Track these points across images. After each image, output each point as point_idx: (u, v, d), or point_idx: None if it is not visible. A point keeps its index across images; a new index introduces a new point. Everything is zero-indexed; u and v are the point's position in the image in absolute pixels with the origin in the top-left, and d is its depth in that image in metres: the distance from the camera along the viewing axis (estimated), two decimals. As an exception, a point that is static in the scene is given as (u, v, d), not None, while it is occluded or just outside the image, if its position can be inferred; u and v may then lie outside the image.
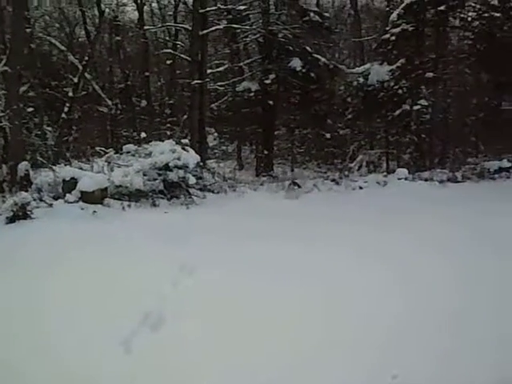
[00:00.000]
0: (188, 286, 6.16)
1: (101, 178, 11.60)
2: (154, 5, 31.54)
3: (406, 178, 16.53)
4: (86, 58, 21.86)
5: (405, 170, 17.25)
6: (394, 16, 21.25)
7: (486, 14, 20.87)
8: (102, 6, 23.71)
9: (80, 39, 30.83)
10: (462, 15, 21.72)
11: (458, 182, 16.63)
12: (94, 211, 10.48)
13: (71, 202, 10.90)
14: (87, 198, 10.98)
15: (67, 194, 11.11)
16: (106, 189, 11.51)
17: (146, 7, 29.89)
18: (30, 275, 6.38)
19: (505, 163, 18.19)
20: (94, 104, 27.26)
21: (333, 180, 16.67)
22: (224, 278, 6.28)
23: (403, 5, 21.14)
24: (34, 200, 10.69)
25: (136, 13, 29.31)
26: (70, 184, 11.27)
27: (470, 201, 12.33)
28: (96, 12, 24.76)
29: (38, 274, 6.43)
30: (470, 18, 21.67)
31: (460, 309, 5.47)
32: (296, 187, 15.23)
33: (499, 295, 5.80)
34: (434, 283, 6.23)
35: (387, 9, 26.32)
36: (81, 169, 12.32)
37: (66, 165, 13.20)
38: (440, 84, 22.30)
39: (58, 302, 5.63)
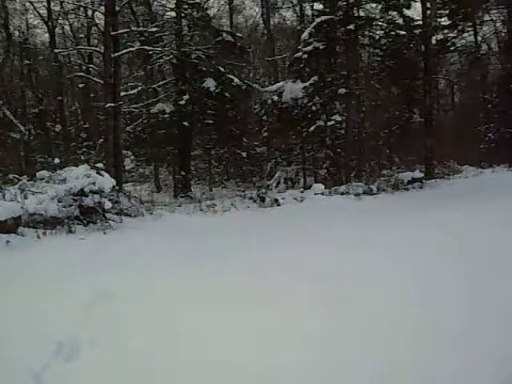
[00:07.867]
0: (104, 314, 6.06)
1: (13, 206, 11.26)
2: (67, 27, 31.17)
3: (322, 193, 16.87)
4: (-5, 83, 21.38)
5: (321, 185, 17.61)
6: (305, 35, 21.81)
7: (393, 33, 21.69)
8: (11, 27, 23.26)
9: (-12, 63, 30.14)
10: (371, 34, 22.51)
11: (374, 194, 17.10)
12: (8, 241, 10.19)
13: (-18, 233, 10.59)
14: (-1, 227, 10.70)
15: (-22, 225, 10.80)
16: (19, 217, 11.20)
17: (57, 29, 29.48)
18: None
19: (417, 174, 18.89)
20: (5, 130, 26.62)
21: (250, 198, 16.82)
22: (142, 303, 6.21)
23: (314, 23, 21.75)
24: None
25: (47, 35, 28.89)
26: (-19, 214, 10.95)
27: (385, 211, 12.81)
28: (4, 34, 24.23)
29: None
30: (377, 37, 22.49)
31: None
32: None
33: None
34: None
35: (299, 28, 27.01)
36: (-8, 197, 11.98)
37: (-24, 194, 12.81)
38: (353, 99, 22.97)
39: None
